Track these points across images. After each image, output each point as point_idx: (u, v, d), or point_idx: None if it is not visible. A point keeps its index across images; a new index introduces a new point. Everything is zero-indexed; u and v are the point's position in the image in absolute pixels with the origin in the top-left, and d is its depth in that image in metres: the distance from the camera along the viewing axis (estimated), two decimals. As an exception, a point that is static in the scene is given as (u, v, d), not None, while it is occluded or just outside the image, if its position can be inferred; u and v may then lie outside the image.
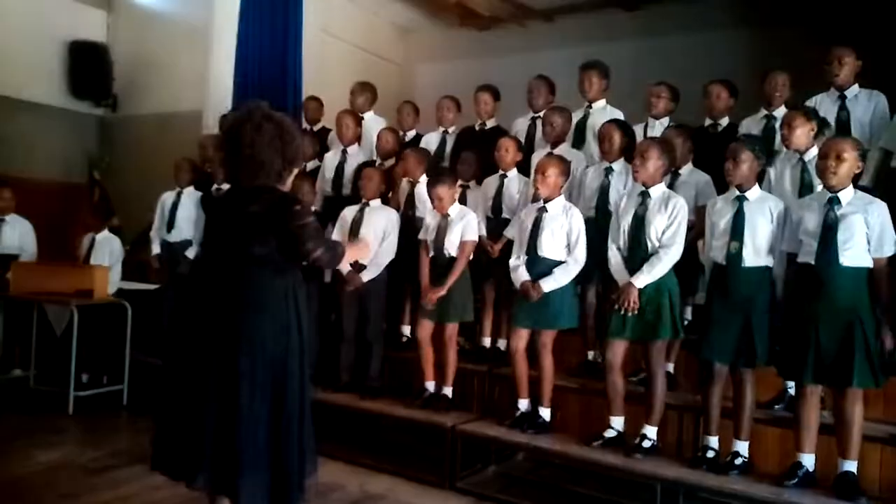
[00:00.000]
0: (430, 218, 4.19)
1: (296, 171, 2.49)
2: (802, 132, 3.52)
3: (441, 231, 4.10)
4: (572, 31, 7.22)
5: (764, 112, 4.17)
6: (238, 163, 2.38)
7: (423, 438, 4.06)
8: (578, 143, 4.47)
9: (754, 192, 3.34)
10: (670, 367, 3.88)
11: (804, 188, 3.51)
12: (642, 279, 3.40)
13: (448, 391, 4.13)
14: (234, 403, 2.28)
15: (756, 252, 3.26)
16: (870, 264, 3.03)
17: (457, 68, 7.23)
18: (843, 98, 3.94)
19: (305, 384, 2.44)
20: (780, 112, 4.04)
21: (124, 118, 7.19)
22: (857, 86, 3.95)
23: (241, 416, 2.28)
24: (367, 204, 4.49)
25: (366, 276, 4.35)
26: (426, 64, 8.30)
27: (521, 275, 3.77)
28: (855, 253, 3.01)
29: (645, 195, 3.49)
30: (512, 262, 3.87)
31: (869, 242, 3.02)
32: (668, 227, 3.42)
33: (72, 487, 3.48)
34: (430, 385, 4.20)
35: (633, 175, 3.57)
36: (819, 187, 3.29)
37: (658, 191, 3.50)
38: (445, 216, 4.10)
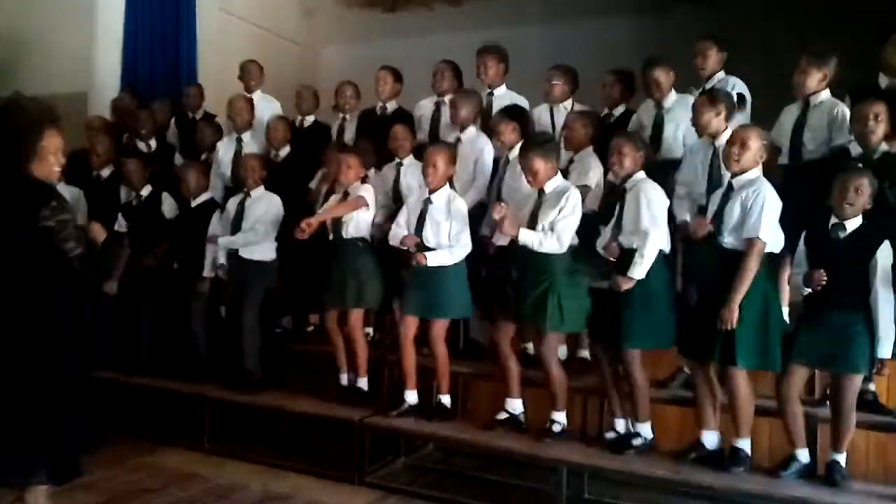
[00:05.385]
0: (332, 199, 4.08)
1: (40, 156, 2.48)
2: (709, 117, 3.53)
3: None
4: (480, 15, 7.13)
5: (653, 103, 4.12)
6: None
7: (331, 433, 3.95)
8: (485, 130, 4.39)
9: (631, 183, 3.38)
10: (585, 353, 3.89)
11: (713, 173, 3.55)
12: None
13: (363, 383, 4.04)
14: None
15: (630, 239, 3.31)
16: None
17: (362, 51, 7.02)
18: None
19: (72, 367, 2.50)
20: (671, 100, 4.02)
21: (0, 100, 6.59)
22: (722, 73, 4.06)
23: None
24: (248, 195, 4.36)
25: (245, 254, 4.26)
26: (331, 46, 8.04)
27: (399, 232, 3.72)
28: (731, 235, 3.10)
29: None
30: (392, 229, 3.78)
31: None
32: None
33: None
34: (343, 377, 4.09)
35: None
36: (726, 173, 3.33)
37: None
38: (346, 193, 3.99)
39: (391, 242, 3.81)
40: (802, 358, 3.05)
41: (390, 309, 4.27)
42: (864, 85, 3.69)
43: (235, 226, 4.32)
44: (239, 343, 4.24)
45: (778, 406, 3.12)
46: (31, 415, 2.39)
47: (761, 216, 3.03)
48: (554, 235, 3.34)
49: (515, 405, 3.61)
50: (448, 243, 3.66)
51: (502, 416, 3.60)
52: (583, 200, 3.49)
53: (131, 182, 4.65)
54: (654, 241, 3.24)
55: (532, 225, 3.41)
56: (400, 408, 3.77)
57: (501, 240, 3.72)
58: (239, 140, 4.91)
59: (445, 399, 3.78)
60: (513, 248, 3.50)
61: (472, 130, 4.22)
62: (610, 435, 3.45)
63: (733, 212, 3.10)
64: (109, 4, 5.99)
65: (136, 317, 4.60)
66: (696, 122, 3.63)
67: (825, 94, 3.70)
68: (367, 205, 3.95)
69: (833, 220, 3.04)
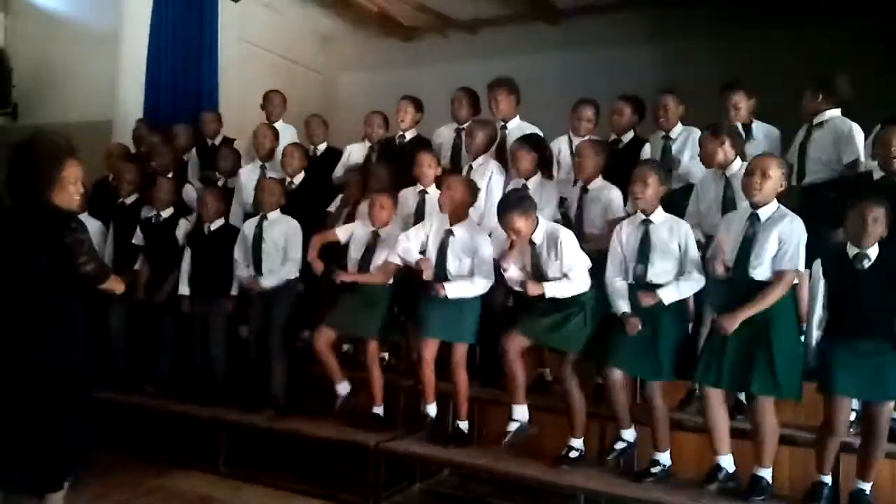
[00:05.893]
0: (360, 230, 4.09)
1: (60, 186, 2.60)
2: (713, 150, 3.58)
3: (369, 250, 4.01)
4: (495, 43, 7.27)
5: (661, 133, 4.22)
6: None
7: (348, 457, 3.94)
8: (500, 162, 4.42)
9: (659, 216, 3.39)
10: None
11: (727, 203, 3.57)
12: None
13: (379, 410, 4.01)
14: None
15: (662, 272, 3.31)
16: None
17: (380, 79, 7.17)
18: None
19: (83, 384, 2.63)
20: (677, 130, 4.16)
21: (27, 128, 6.74)
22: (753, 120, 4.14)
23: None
24: (265, 217, 4.39)
25: (265, 283, 4.26)
26: (349, 73, 8.20)
27: (409, 248, 3.73)
28: (766, 268, 3.09)
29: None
30: (401, 240, 3.78)
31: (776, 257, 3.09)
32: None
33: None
34: (339, 387, 4.04)
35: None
36: (743, 203, 3.34)
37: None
38: (376, 234, 4.00)
39: (400, 254, 3.80)
40: (846, 391, 2.99)
41: (401, 335, 4.27)
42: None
43: (255, 249, 4.34)
44: (264, 367, 4.24)
45: (821, 436, 3.07)
46: (36, 428, 2.47)
47: (799, 249, 3.05)
48: (577, 278, 3.38)
49: (521, 412, 3.53)
50: (469, 278, 3.67)
51: (511, 426, 3.53)
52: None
53: (157, 202, 4.72)
54: (697, 280, 3.29)
55: (537, 275, 3.45)
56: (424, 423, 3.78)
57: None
58: (263, 167, 4.98)
59: (463, 425, 3.76)
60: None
61: (482, 158, 4.25)
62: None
63: (767, 244, 3.07)
64: (133, 35, 6.15)
65: (156, 336, 4.64)
66: (702, 155, 3.68)
67: (830, 114, 3.76)
68: (399, 263, 3.90)
69: (853, 250, 3.02)
